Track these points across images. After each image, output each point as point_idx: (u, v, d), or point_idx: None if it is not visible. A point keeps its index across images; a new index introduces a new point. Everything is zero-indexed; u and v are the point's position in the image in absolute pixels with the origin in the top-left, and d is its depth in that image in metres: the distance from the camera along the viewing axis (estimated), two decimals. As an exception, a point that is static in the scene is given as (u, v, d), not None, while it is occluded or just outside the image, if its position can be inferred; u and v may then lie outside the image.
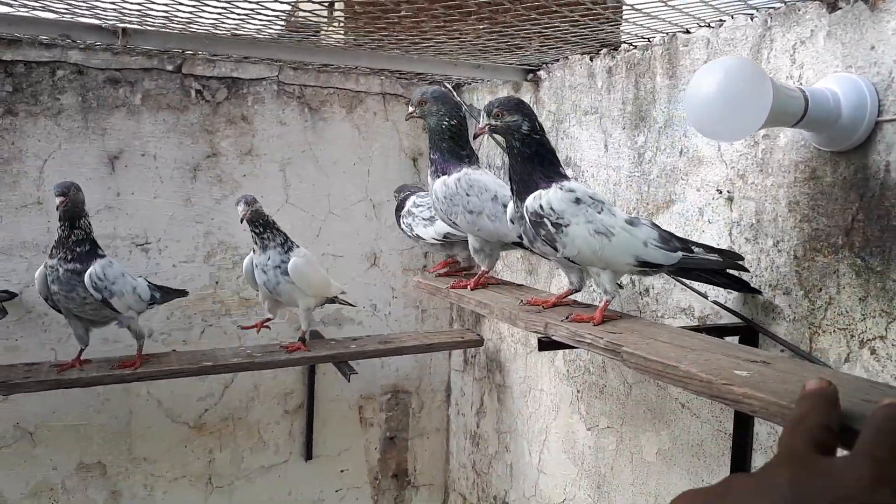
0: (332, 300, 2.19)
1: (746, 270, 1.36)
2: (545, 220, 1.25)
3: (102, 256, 1.80)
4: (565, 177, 1.30)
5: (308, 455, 2.59)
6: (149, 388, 2.34)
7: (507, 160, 1.37)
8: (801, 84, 1.30)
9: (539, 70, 2.11)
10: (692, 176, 1.56)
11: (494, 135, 1.32)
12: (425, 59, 2.05)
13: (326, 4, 1.88)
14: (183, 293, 2.13)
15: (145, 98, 2.26)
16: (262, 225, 1.93)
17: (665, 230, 1.31)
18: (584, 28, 1.62)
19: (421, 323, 2.73)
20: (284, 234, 1.98)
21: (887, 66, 1.16)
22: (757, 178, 1.41)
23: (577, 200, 1.25)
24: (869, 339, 1.19)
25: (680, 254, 1.27)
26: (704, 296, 1.52)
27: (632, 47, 1.76)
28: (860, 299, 1.21)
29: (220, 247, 2.38)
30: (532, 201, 1.27)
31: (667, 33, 1.63)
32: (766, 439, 1.38)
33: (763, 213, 1.40)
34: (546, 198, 1.25)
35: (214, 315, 2.38)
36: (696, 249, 1.30)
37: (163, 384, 2.34)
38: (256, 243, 1.96)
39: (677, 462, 1.63)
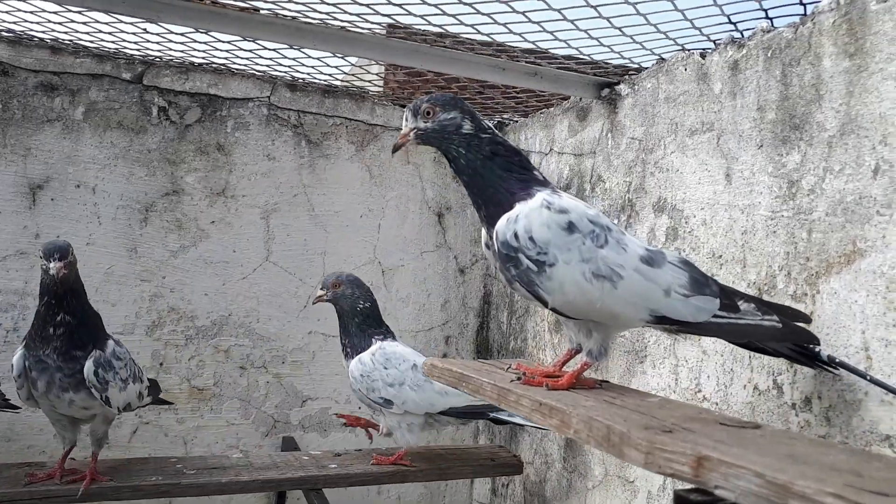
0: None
1: (815, 342, 1.00)
2: (521, 255, 0.93)
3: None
4: (546, 183, 1.00)
5: None
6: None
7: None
8: None
9: (618, 84, 1.51)
10: (902, 208, 0.92)
11: (425, 145, 1.03)
12: (468, 60, 1.49)
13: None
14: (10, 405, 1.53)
15: (89, 112, 1.72)
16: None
17: (703, 273, 1.00)
18: None
19: (436, 432, 2.02)
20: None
21: None
22: None
23: (571, 226, 0.94)
24: None
25: (716, 305, 0.96)
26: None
27: (772, 27, 1.16)
28: None
29: (170, 315, 1.77)
30: (504, 226, 0.96)
31: (842, -10, 1.03)
32: None
33: None
34: (524, 222, 0.95)
35: (153, 410, 1.73)
36: (744, 306, 0.99)
37: None
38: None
39: None
